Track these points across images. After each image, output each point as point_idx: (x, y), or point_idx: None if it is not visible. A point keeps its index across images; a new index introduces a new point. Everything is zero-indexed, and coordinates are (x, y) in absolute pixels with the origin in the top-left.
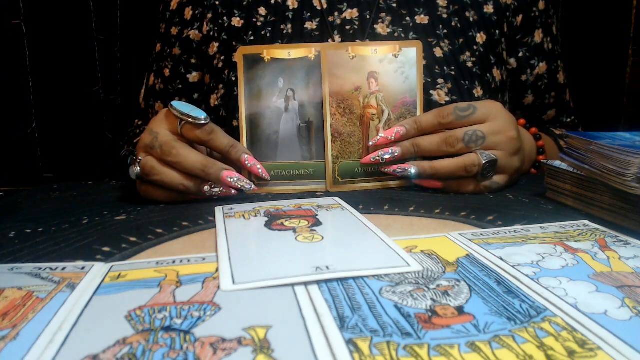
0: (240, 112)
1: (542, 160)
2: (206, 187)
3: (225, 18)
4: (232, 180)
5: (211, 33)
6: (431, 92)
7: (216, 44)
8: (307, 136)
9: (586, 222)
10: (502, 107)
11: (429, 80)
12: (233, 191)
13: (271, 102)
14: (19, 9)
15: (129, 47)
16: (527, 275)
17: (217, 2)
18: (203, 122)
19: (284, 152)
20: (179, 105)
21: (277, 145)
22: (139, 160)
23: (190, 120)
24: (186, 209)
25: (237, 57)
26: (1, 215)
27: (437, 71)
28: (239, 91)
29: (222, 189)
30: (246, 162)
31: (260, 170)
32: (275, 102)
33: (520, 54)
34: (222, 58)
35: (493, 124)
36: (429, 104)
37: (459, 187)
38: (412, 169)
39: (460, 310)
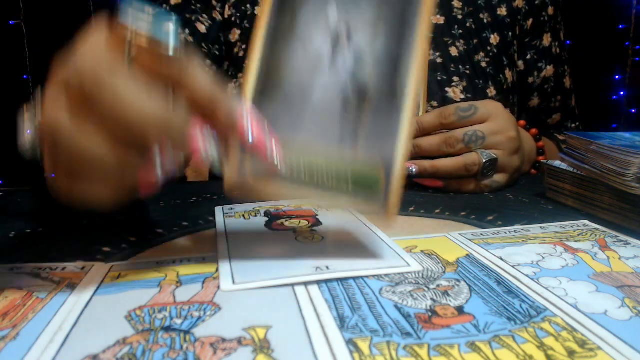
0: (253, 41)
1: (542, 161)
2: (158, 159)
3: (248, 5)
4: (202, 143)
5: (232, 18)
6: (447, 89)
7: (238, 32)
8: (356, 114)
9: (586, 222)
10: (502, 107)
11: (445, 78)
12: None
13: (309, 37)
14: (19, 9)
15: None
16: (527, 275)
17: None
18: (175, 46)
19: (313, 124)
20: (133, 10)
21: (304, 109)
22: (34, 111)
23: (151, 38)
24: (186, 209)
25: None
26: (1, 215)
27: (452, 69)
28: (261, 7)
29: (175, 161)
30: (245, 116)
31: (268, 147)
32: (316, 43)
33: (528, 57)
34: (244, 47)
35: (493, 124)
36: (444, 101)
37: (460, 187)
38: (412, 168)
39: (460, 310)
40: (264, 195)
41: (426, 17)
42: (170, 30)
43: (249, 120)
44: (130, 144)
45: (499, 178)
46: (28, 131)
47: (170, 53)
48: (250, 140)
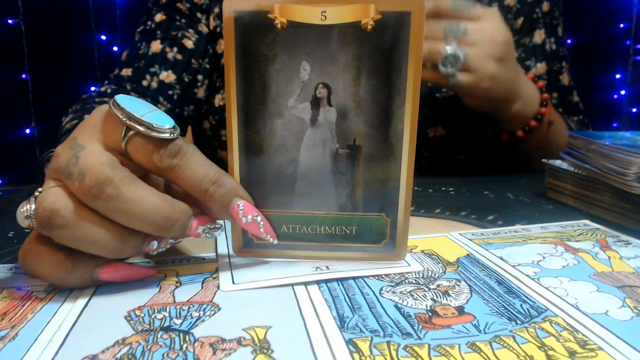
0: (228, 125)
1: (544, 114)
2: (153, 244)
3: None
4: (204, 231)
5: (218, 29)
6: (437, 95)
7: (224, 42)
8: (349, 172)
9: (587, 221)
10: (501, 19)
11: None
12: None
13: (286, 107)
14: (18, 8)
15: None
16: (527, 275)
17: None
18: (167, 134)
19: (305, 196)
20: (127, 101)
21: (293, 184)
22: (36, 195)
23: (143, 129)
24: None
25: (225, 19)
26: (1, 215)
27: None
28: (227, 85)
29: (171, 242)
30: (240, 214)
31: (262, 230)
32: (294, 106)
33: (515, 55)
34: None
35: (481, 23)
36: (434, 109)
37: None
38: None
39: (460, 310)
40: (271, 255)
41: (415, 62)
42: (163, 117)
43: (241, 206)
44: (131, 231)
45: (462, 77)
46: (25, 213)
47: (166, 135)
48: (243, 222)
